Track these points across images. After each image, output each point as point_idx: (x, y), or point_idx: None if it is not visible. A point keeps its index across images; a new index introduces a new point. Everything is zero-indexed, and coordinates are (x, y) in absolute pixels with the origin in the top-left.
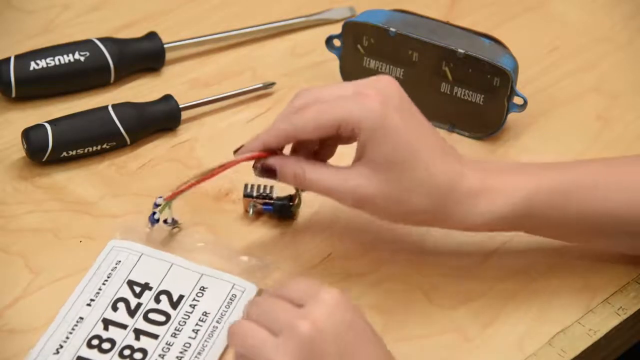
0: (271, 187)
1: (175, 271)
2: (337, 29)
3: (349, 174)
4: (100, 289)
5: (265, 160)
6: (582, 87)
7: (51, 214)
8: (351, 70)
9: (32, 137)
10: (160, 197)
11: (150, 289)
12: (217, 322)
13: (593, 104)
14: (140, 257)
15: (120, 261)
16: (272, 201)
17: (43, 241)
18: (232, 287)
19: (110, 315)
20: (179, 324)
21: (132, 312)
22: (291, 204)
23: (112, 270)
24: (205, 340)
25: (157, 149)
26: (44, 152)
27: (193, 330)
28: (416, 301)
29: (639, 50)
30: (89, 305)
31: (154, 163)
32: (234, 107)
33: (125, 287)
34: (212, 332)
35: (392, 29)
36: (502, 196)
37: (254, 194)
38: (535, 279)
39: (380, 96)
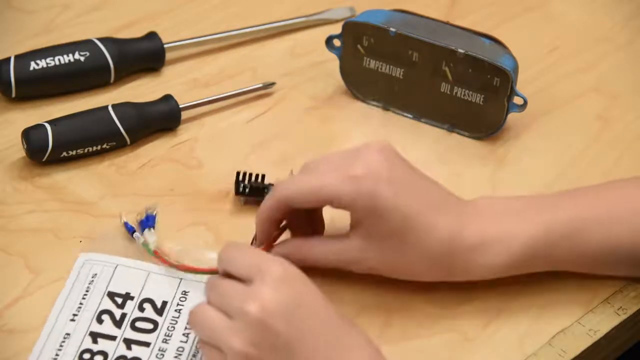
0: (263, 176)
1: (154, 278)
2: (337, 29)
3: (345, 248)
4: (81, 304)
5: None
6: (582, 87)
7: (51, 214)
8: (351, 70)
9: (32, 137)
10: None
11: (132, 298)
12: None
13: (593, 104)
14: (115, 268)
15: (96, 274)
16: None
17: (43, 241)
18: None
19: (97, 328)
20: (167, 329)
21: (118, 323)
22: None
23: (89, 284)
24: (198, 342)
25: (157, 149)
26: (44, 152)
27: (184, 334)
28: (416, 301)
29: (639, 50)
30: (72, 320)
31: (154, 163)
32: (234, 107)
33: (107, 299)
34: None
35: (392, 29)
36: (502, 246)
37: (247, 191)
38: (536, 279)
39: (370, 175)
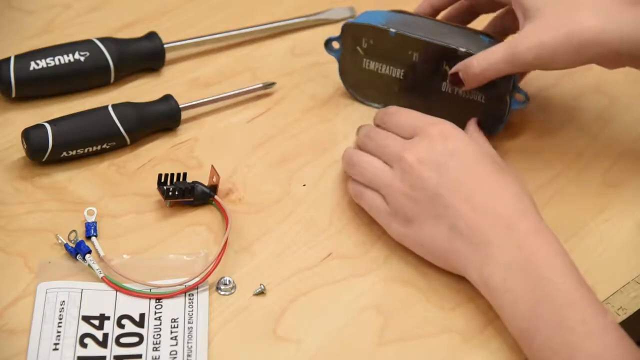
0: (184, 175)
1: (123, 296)
2: (337, 29)
3: (516, 39)
4: (59, 332)
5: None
6: (582, 87)
7: (51, 214)
8: (350, 72)
9: (32, 137)
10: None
11: (107, 318)
12: (190, 322)
13: (593, 104)
14: (82, 292)
15: (64, 301)
16: (191, 198)
17: (43, 241)
18: (184, 287)
19: (83, 352)
20: (154, 337)
21: (102, 344)
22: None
23: (60, 311)
24: (188, 342)
25: (157, 149)
26: (44, 152)
27: (172, 339)
28: (416, 301)
29: None
30: (55, 349)
31: (154, 163)
32: (234, 107)
33: (83, 323)
34: (189, 333)
35: (392, 30)
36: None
37: (170, 192)
38: None
39: None
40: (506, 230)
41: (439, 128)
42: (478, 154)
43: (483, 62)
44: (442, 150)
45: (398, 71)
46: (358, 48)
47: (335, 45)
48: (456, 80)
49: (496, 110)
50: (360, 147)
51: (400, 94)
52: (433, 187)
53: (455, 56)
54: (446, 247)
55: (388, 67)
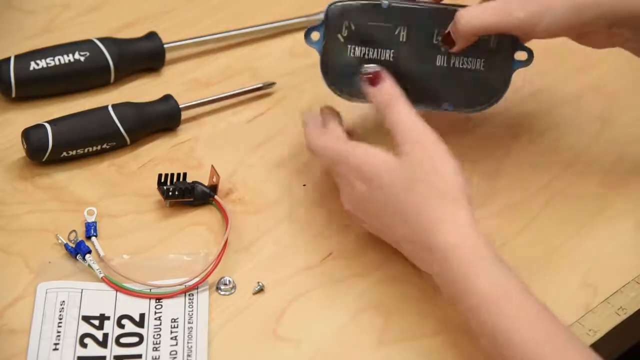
0: (184, 175)
1: (123, 296)
2: None
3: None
4: (59, 332)
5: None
6: (582, 87)
7: (51, 214)
8: (334, 65)
9: (32, 137)
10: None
11: (107, 318)
12: (190, 322)
13: (593, 104)
14: (82, 292)
15: (64, 301)
16: (191, 198)
17: (43, 241)
18: (184, 287)
19: (83, 352)
20: (154, 337)
21: (102, 344)
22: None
23: (60, 311)
24: (188, 342)
25: (157, 149)
26: (44, 152)
27: (172, 339)
28: (416, 301)
29: None
30: (56, 349)
31: (154, 163)
32: (234, 107)
33: (83, 323)
34: (189, 333)
35: (384, 1)
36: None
37: (170, 192)
38: (535, 279)
39: None
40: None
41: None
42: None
43: (472, 15)
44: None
45: (387, 53)
46: (339, 36)
47: (315, 36)
48: (448, 40)
49: (497, 76)
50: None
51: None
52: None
53: (448, 21)
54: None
55: (376, 51)
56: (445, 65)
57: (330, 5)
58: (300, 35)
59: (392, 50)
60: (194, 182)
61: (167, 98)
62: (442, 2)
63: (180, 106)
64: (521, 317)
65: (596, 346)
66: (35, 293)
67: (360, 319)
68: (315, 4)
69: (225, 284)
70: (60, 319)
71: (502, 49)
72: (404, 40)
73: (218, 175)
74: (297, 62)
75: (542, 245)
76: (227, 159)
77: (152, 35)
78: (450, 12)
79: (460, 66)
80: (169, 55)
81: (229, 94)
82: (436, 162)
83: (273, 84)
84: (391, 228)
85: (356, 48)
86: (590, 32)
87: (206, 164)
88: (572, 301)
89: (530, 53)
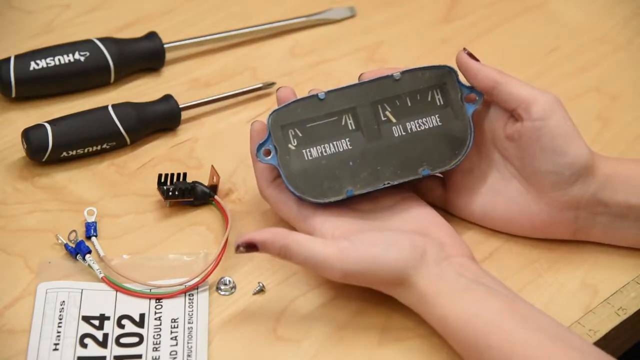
0: (184, 175)
1: (123, 296)
2: (337, 29)
3: None
4: (59, 332)
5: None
6: (582, 87)
7: (51, 214)
8: (297, 172)
9: (32, 137)
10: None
11: (108, 318)
12: (190, 322)
13: (593, 104)
14: (82, 292)
15: (64, 301)
16: (191, 198)
17: (43, 241)
18: (184, 287)
19: (83, 352)
20: (154, 337)
21: (102, 344)
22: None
23: (60, 311)
24: (188, 342)
25: (157, 149)
26: (44, 152)
27: (172, 339)
28: None
29: (639, 50)
30: (56, 350)
31: (154, 163)
32: (234, 107)
33: (83, 323)
34: (189, 333)
35: (320, 94)
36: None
37: (171, 192)
38: (535, 279)
39: None
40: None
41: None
42: None
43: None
44: None
45: (343, 143)
46: (290, 146)
47: (267, 153)
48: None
49: (458, 125)
50: None
51: (357, 167)
52: None
53: (390, 97)
54: None
55: (331, 145)
56: (403, 133)
57: (269, 115)
58: (301, 35)
59: (348, 139)
60: (194, 182)
61: (167, 98)
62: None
63: (180, 106)
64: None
65: (596, 346)
66: (35, 293)
67: (360, 319)
68: (315, 4)
69: (225, 284)
70: (60, 319)
71: (450, 94)
72: (353, 127)
73: (218, 175)
74: (297, 62)
75: (542, 245)
76: (227, 159)
77: (152, 35)
78: (387, 79)
79: (419, 129)
80: (169, 55)
81: (229, 94)
82: None
83: (273, 84)
84: None
85: (311, 150)
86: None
87: (206, 164)
88: (572, 301)
89: (479, 94)
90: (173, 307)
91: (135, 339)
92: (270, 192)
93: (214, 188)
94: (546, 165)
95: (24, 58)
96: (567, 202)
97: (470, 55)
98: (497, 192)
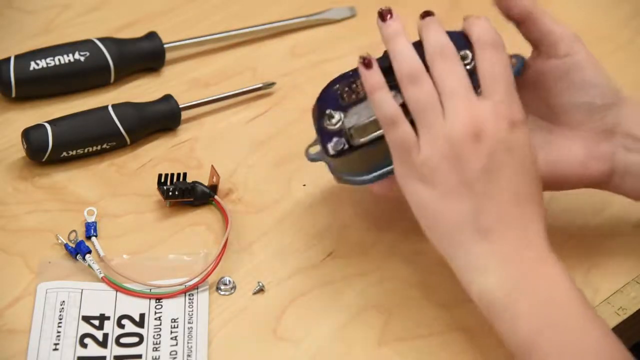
0: (184, 175)
1: (123, 296)
2: (337, 29)
3: None
4: (59, 332)
5: None
6: None
7: (51, 214)
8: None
9: (32, 137)
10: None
11: (107, 318)
12: (190, 322)
13: None
14: (82, 292)
15: (64, 301)
16: (191, 198)
17: (43, 241)
18: (184, 287)
19: (83, 352)
20: (154, 337)
21: (102, 344)
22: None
23: (60, 311)
24: (188, 342)
25: (157, 149)
26: (44, 152)
27: (172, 339)
28: (417, 300)
29: (639, 50)
30: (56, 349)
31: (154, 163)
32: (234, 107)
33: (83, 323)
34: (189, 333)
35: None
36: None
37: (171, 192)
38: None
39: None
40: (515, 252)
41: (508, 110)
42: (530, 162)
43: None
44: (505, 138)
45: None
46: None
47: (313, 150)
48: None
49: None
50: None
51: None
52: (479, 171)
53: None
54: (453, 229)
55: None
56: None
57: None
58: (301, 35)
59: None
60: (194, 182)
61: (167, 98)
62: None
63: (180, 106)
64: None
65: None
66: (35, 293)
67: (360, 319)
68: (315, 4)
69: (225, 284)
70: (60, 319)
71: None
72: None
73: (218, 175)
74: (297, 62)
75: None
76: (227, 159)
77: (152, 35)
78: None
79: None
80: (169, 55)
81: (229, 94)
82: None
83: (273, 84)
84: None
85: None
86: None
87: (206, 164)
88: None
89: (519, 59)
90: (173, 307)
91: (135, 339)
92: None
93: (214, 188)
94: (578, 97)
95: (24, 58)
96: (602, 132)
97: None
98: None
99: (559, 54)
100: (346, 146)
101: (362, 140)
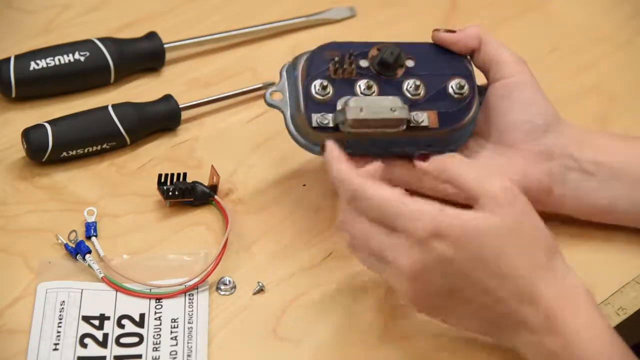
0: (184, 175)
1: (123, 296)
2: (337, 29)
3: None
4: (59, 332)
5: None
6: (581, 87)
7: (51, 214)
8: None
9: (32, 137)
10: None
11: (107, 318)
12: (190, 322)
13: (592, 104)
14: (82, 292)
15: (64, 301)
16: (191, 198)
17: (43, 241)
18: (184, 287)
19: (83, 352)
20: (154, 337)
21: (102, 344)
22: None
23: (60, 311)
24: (188, 342)
25: (157, 149)
26: (44, 152)
27: (172, 339)
28: None
29: (639, 50)
30: (56, 350)
31: (154, 163)
32: (234, 107)
33: (83, 323)
34: (189, 333)
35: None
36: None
37: (171, 192)
38: None
39: None
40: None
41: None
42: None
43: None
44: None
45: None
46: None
47: (275, 96)
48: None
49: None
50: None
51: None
52: (445, 294)
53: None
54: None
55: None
56: None
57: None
58: (301, 35)
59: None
60: (194, 182)
61: (167, 98)
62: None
63: (180, 106)
64: None
65: None
66: (35, 293)
67: (360, 319)
68: (315, 4)
69: (225, 284)
70: (60, 319)
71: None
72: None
73: (218, 175)
74: None
75: None
76: (227, 159)
77: (152, 35)
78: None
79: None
80: (169, 55)
81: (229, 94)
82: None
83: (273, 83)
84: (465, 301)
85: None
86: None
87: (206, 164)
88: None
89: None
90: (173, 307)
91: (135, 339)
92: None
93: (214, 188)
94: (519, 115)
95: (24, 58)
96: (541, 151)
97: (447, 31)
98: None
99: (505, 75)
100: (331, 124)
101: (353, 131)
